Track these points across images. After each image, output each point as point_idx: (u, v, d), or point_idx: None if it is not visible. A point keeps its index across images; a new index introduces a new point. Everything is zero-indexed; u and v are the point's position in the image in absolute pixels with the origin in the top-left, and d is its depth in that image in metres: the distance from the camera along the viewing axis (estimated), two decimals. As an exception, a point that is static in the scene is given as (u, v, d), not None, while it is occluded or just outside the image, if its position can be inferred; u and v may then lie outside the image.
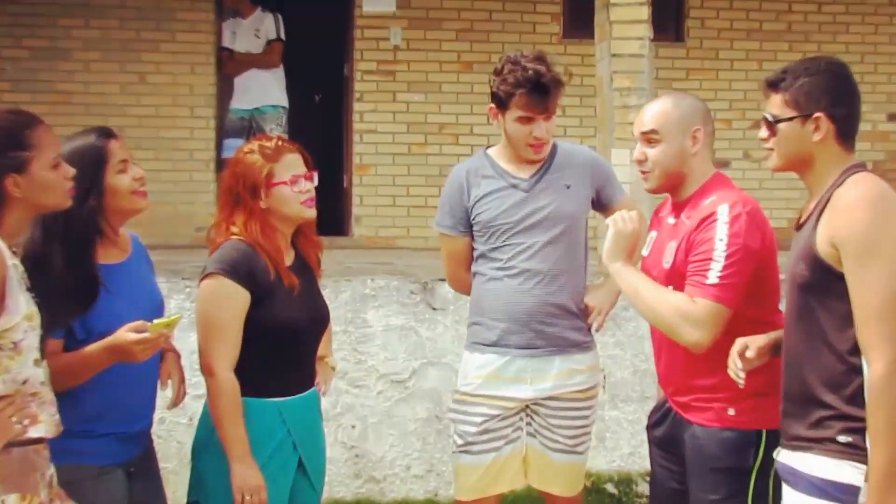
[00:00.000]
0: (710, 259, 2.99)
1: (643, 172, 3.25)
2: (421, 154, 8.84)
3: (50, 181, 2.65)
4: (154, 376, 3.15)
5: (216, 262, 3.19)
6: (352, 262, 6.87)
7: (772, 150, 2.81)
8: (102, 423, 2.97)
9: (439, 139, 8.83)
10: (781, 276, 3.01)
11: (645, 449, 3.49)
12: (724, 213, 3.03)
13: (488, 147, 3.89)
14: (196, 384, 3.40)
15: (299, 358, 3.33)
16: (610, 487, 5.89)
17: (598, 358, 3.90)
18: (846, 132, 2.75)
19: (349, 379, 5.75)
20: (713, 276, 2.97)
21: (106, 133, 3.07)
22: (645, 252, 3.29)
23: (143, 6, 8.62)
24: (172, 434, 5.48)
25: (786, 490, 2.77)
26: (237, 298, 3.15)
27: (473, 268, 3.83)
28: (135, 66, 8.61)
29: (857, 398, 2.59)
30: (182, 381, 3.23)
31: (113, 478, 2.99)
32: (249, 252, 3.21)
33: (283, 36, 8.35)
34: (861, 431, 2.58)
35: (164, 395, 3.22)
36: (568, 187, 3.74)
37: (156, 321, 2.85)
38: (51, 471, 2.62)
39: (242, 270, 3.16)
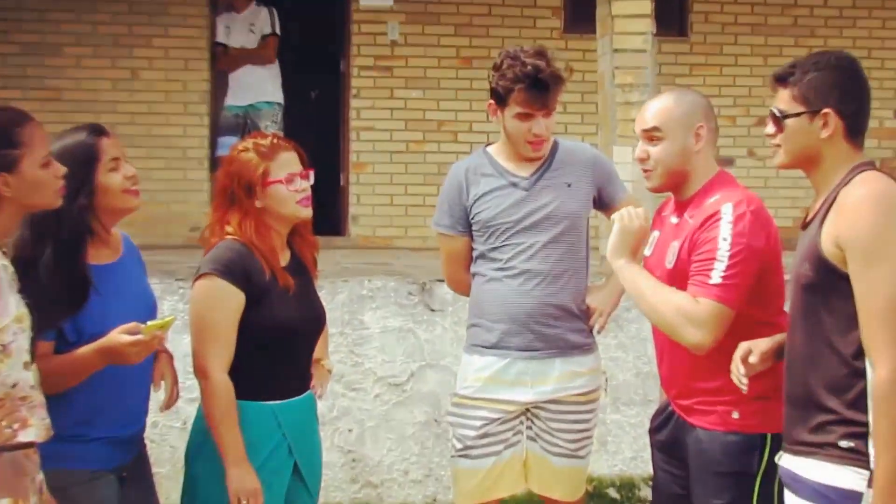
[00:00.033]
0: (714, 259, 2.99)
1: (645, 171, 3.25)
2: (419, 152, 8.84)
3: (40, 180, 2.65)
4: (147, 379, 3.15)
5: (210, 262, 3.19)
6: (348, 263, 6.87)
7: (778, 146, 2.81)
8: (94, 427, 2.97)
9: (438, 136, 8.83)
10: (786, 277, 3.01)
11: (647, 453, 3.49)
12: (728, 212, 3.03)
13: (488, 144, 3.89)
14: (190, 387, 3.40)
15: (295, 360, 3.33)
16: (612, 492, 5.90)
17: (600, 360, 3.90)
18: (855, 129, 2.75)
19: (346, 382, 5.75)
20: (716, 276, 2.97)
21: (97, 130, 3.07)
22: (647, 252, 3.29)
23: (135, 0, 8.61)
24: (165, 438, 5.48)
25: (788, 495, 2.77)
26: (232, 299, 3.15)
27: (473, 268, 3.83)
28: (127, 61, 8.61)
29: (860, 403, 2.59)
30: (175, 382, 3.23)
31: (105, 483, 2.99)
32: (244, 252, 3.21)
33: (278, 31, 8.35)
34: (863, 437, 2.58)
35: (156, 399, 3.21)
36: (569, 186, 3.74)
37: (150, 323, 2.85)
38: (41, 476, 2.61)
39: (237, 271, 3.16)
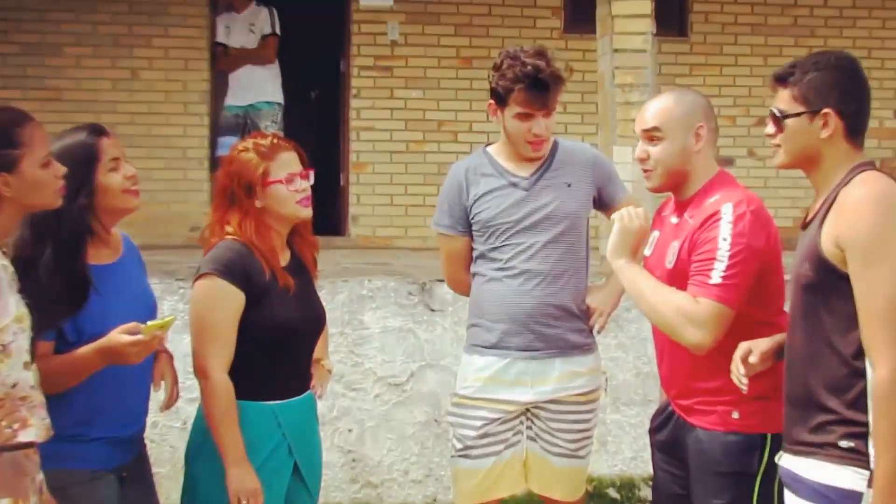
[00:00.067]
0: (714, 259, 2.99)
1: (645, 171, 3.25)
2: (419, 152, 8.84)
3: (40, 180, 2.65)
4: (147, 379, 3.15)
5: (210, 262, 3.19)
6: (348, 263, 6.87)
7: (778, 146, 2.81)
8: (94, 427, 2.97)
9: (438, 136, 8.83)
10: (786, 277, 3.01)
11: (647, 453, 3.49)
12: (728, 212, 3.03)
13: (488, 144, 3.89)
14: (189, 387, 3.40)
15: (295, 360, 3.33)
16: (612, 492, 5.90)
17: (600, 360, 3.90)
18: (855, 129, 2.75)
19: (346, 382, 5.75)
20: (716, 276, 2.97)
21: (97, 130, 3.07)
22: (647, 252, 3.29)
23: (135, 0, 8.61)
24: (165, 438, 5.48)
25: (788, 495, 2.77)
26: (232, 299, 3.15)
27: (473, 268, 3.83)
28: (127, 61, 8.61)
29: (860, 403, 2.59)
30: (175, 382, 3.23)
31: (105, 483, 2.99)
32: (244, 252, 3.21)
33: (278, 31, 8.35)
34: (863, 437, 2.58)
35: (156, 399, 3.21)
36: (569, 186, 3.74)
37: (150, 323, 2.85)
38: (41, 476, 2.61)
39: (237, 270, 3.16)
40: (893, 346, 2.50)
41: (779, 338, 2.92)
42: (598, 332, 3.84)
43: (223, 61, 8.47)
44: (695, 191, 3.20)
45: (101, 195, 3.00)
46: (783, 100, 2.78)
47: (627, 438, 5.95)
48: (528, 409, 3.74)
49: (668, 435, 3.27)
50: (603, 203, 3.84)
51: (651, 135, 3.21)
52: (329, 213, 8.73)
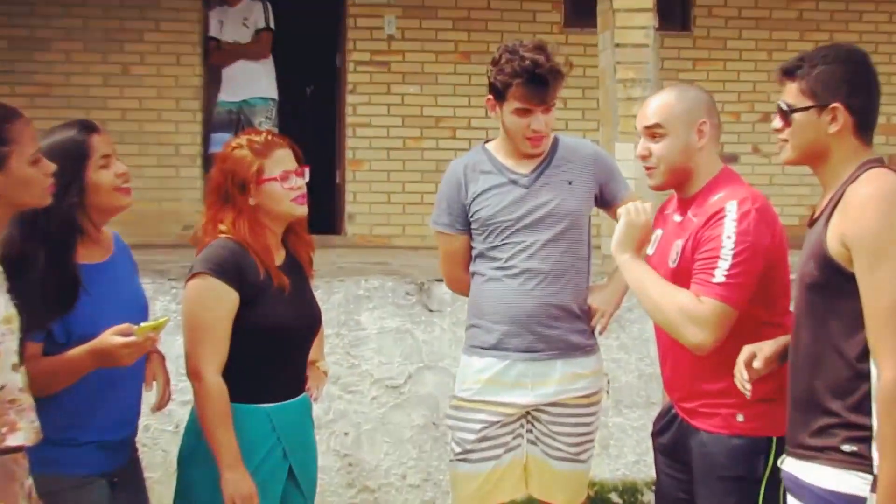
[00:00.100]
0: (717, 257, 2.98)
1: (647, 168, 3.25)
2: (417, 149, 8.84)
3: (29, 178, 2.64)
4: (139, 382, 3.15)
5: (203, 262, 3.19)
6: (345, 262, 6.87)
7: (785, 141, 2.80)
8: (84, 430, 2.97)
9: (436, 133, 8.83)
10: (792, 277, 3.01)
11: (650, 457, 3.49)
12: (732, 210, 3.02)
13: (487, 141, 3.89)
14: (182, 389, 3.40)
15: (290, 361, 3.32)
16: (614, 497, 5.90)
17: (602, 362, 3.91)
18: (864, 124, 2.74)
19: (342, 384, 5.74)
20: (719, 275, 2.97)
21: (88, 127, 3.06)
22: (650, 251, 3.29)
23: (126, -6, 8.62)
24: (158, 442, 5.47)
25: (790, 500, 2.77)
26: (225, 299, 3.15)
27: (472, 268, 3.82)
28: (118, 56, 8.60)
29: (863, 406, 2.58)
30: (167, 382, 3.23)
31: (95, 488, 2.99)
32: (238, 251, 3.21)
33: (272, 25, 8.34)
34: (866, 440, 2.57)
35: (147, 401, 3.21)
36: (570, 183, 3.74)
37: (143, 324, 2.85)
38: (30, 481, 2.61)
39: (231, 270, 3.16)
40: None
41: (783, 340, 2.91)
42: (600, 333, 3.84)
43: (216, 56, 8.46)
44: (698, 188, 3.20)
45: (92, 193, 3.00)
46: (791, 93, 2.77)
47: (630, 442, 5.94)
48: (528, 412, 3.74)
49: (671, 438, 3.27)
50: (604, 201, 3.84)
51: (653, 131, 3.21)
52: (325, 211, 8.73)
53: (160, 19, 8.67)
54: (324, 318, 3.54)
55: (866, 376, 2.58)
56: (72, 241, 2.96)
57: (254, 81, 8.29)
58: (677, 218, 3.25)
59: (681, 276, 3.08)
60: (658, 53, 6.70)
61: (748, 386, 2.87)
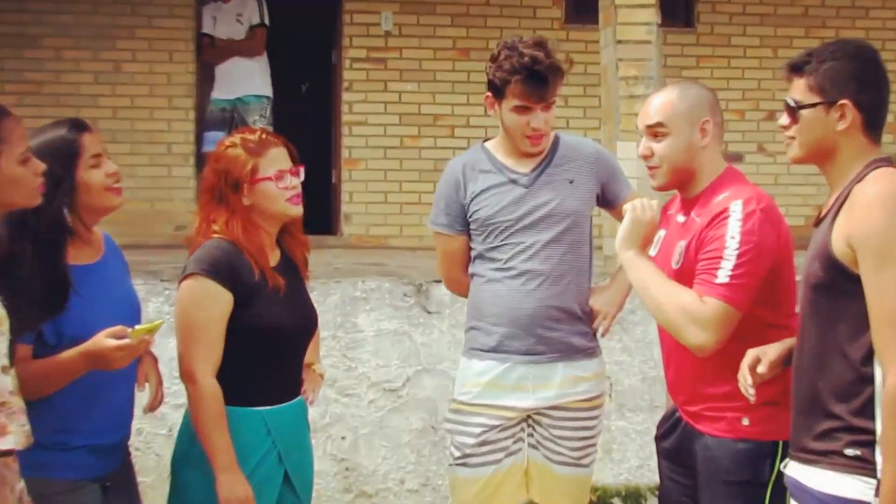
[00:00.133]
0: (721, 257, 2.98)
1: (650, 168, 3.25)
2: (414, 147, 8.84)
3: (18, 177, 2.64)
4: (131, 385, 3.15)
5: (197, 262, 3.19)
6: (341, 263, 6.87)
7: (792, 138, 2.79)
8: (76, 434, 2.96)
9: (434, 131, 8.84)
10: (798, 278, 3.01)
11: (654, 461, 3.49)
12: (737, 210, 3.03)
13: (486, 140, 3.89)
14: (175, 392, 3.40)
15: (285, 364, 3.33)
16: (617, 502, 5.90)
17: (605, 365, 3.91)
18: (873, 122, 2.73)
19: (338, 387, 5.75)
20: (723, 276, 2.97)
21: (78, 125, 3.06)
22: (653, 252, 3.29)
23: (117, -10, 8.62)
24: (150, 446, 5.48)
25: (793, 505, 2.77)
26: (219, 300, 3.15)
27: (471, 269, 3.83)
28: (109, 53, 8.61)
29: (867, 410, 2.58)
30: (160, 383, 3.23)
31: (87, 493, 2.99)
32: (232, 251, 3.21)
33: (267, 21, 8.35)
34: (870, 445, 2.56)
35: (140, 404, 3.21)
36: (571, 182, 3.74)
37: (137, 327, 2.85)
38: (21, 485, 2.60)
39: (225, 270, 3.16)
40: None
41: (789, 342, 2.91)
42: (603, 335, 3.85)
43: (209, 53, 8.47)
44: (702, 188, 3.20)
45: (82, 193, 3.00)
46: (798, 90, 2.76)
47: (633, 446, 5.95)
48: (529, 416, 3.74)
49: (675, 442, 3.27)
50: (606, 200, 3.84)
51: (655, 131, 3.21)
52: (320, 211, 8.74)
53: (152, 15, 8.67)
54: (320, 320, 3.55)
55: (870, 379, 2.58)
56: (62, 242, 2.96)
57: (248, 79, 8.30)
58: (680, 218, 3.25)
59: (684, 278, 3.08)
60: (661, 50, 6.71)
61: (751, 391, 2.87)
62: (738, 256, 2.97)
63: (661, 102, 3.23)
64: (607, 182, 3.82)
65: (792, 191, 8.60)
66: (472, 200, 3.75)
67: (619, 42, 6.42)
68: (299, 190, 3.33)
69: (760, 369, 2.87)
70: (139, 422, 3.34)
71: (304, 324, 3.39)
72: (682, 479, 3.25)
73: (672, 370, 3.27)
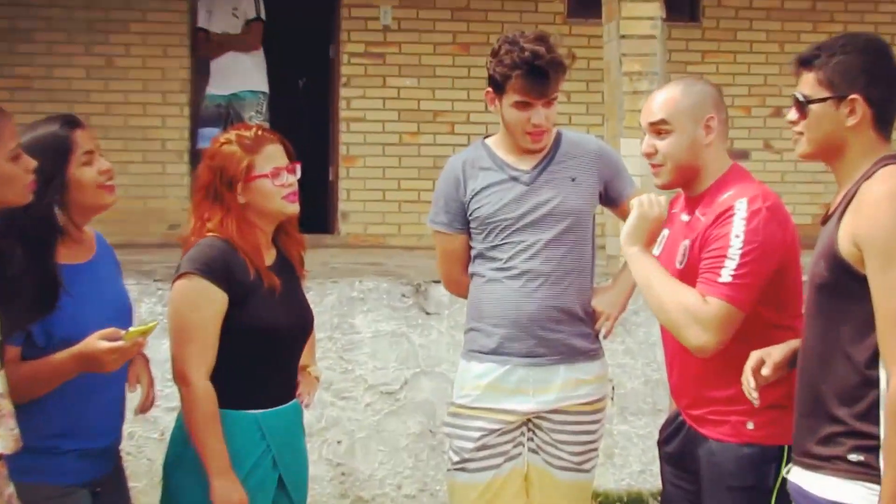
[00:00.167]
0: (724, 256, 2.98)
1: (653, 166, 3.25)
2: (413, 144, 8.85)
3: (9, 174, 2.64)
4: (122, 388, 3.15)
5: (191, 261, 3.19)
6: (338, 263, 6.87)
7: (801, 134, 2.79)
8: (66, 438, 2.96)
9: (433, 128, 8.84)
10: (804, 278, 3.00)
11: (656, 466, 3.49)
12: (742, 208, 3.02)
13: (486, 136, 3.89)
14: (168, 396, 3.40)
15: (280, 366, 3.33)
16: (619, 507, 5.91)
17: (607, 367, 3.90)
18: (883, 117, 2.72)
19: (335, 390, 5.75)
20: (726, 275, 2.97)
21: (70, 122, 3.06)
22: (656, 251, 3.29)
23: (110, -17, 8.62)
24: (142, 450, 5.48)
25: (796, 512, 2.77)
26: (214, 300, 3.15)
27: (471, 268, 3.82)
28: (102, 48, 8.61)
29: (872, 414, 2.57)
30: (151, 384, 3.23)
31: (77, 498, 2.98)
32: (227, 250, 3.21)
33: (263, 15, 8.35)
34: (874, 450, 2.55)
35: (131, 405, 3.21)
36: (573, 180, 3.74)
37: (131, 329, 2.85)
38: (10, 490, 2.61)
39: (219, 270, 3.16)
40: None
41: (794, 344, 2.90)
42: (605, 337, 3.84)
43: (205, 48, 8.47)
44: (706, 186, 3.20)
45: (74, 191, 3.00)
46: (807, 84, 2.75)
47: (635, 451, 5.95)
48: (529, 420, 3.74)
49: (678, 447, 3.27)
50: (609, 199, 3.84)
51: (658, 128, 3.21)
52: (317, 209, 8.74)
53: (146, 9, 8.68)
54: (316, 320, 3.55)
55: (875, 383, 2.57)
56: (52, 240, 2.96)
57: (244, 74, 8.30)
58: (685, 217, 3.25)
59: (688, 277, 3.08)
60: (665, 45, 6.71)
61: (755, 394, 2.86)
62: (742, 256, 2.97)
63: (664, 99, 3.23)
64: (610, 180, 3.82)
65: (799, 189, 8.60)
66: (472, 198, 3.75)
67: (623, 37, 6.43)
68: (296, 188, 3.33)
69: (764, 371, 2.86)
70: (131, 425, 3.34)
71: (300, 325, 3.39)
72: (686, 484, 3.25)
73: (675, 373, 3.27)
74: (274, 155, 3.29)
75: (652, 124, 3.22)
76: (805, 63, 2.77)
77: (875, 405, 2.56)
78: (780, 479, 3.00)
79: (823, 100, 2.72)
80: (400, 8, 8.85)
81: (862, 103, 2.69)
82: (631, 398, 5.95)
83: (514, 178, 3.72)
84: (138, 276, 5.62)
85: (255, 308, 3.20)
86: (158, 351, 3.65)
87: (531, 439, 3.76)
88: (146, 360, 3.24)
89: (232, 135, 3.33)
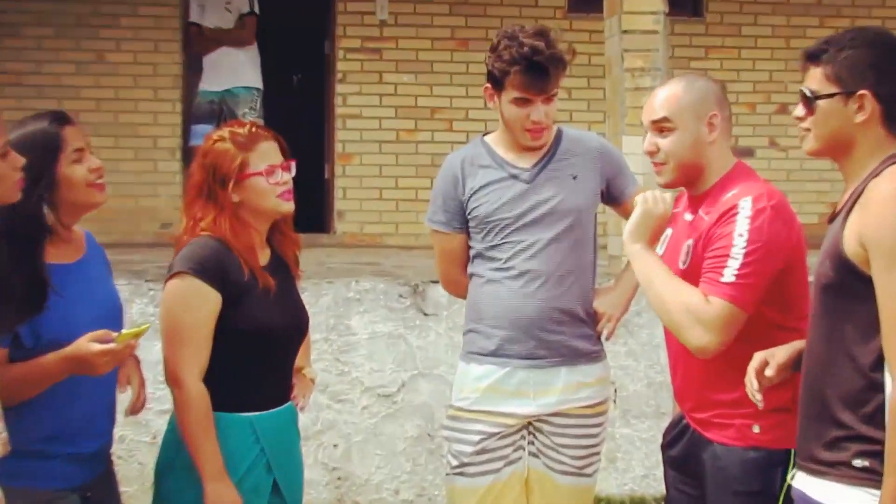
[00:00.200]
0: (728, 256, 2.98)
1: (656, 165, 3.24)
2: (411, 141, 8.85)
3: (-3, 172, 2.64)
4: (113, 391, 3.15)
5: (183, 261, 3.18)
6: (334, 262, 6.87)
7: (808, 130, 2.78)
8: (56, 442, 2.96)
9: (431, 125, 8.84)
10: (810, 278, 3.00)
11: (660, 470, 3.49)
12: (746, 207, 3.02)
13: (485, 133, 3.89)
14: (160, 398, 3.40)
15: (275, 368, 3.32)
16: (621, 513, 5.91)
17: (609, 369, 3.90)
18: (893, 114, 2.70)
19: (331, 392, 5.75)
20: (729, 275, 2.96)
21: (60, 118, 3.06)
22: (659, 251, 3.29)
23: (100, -24, 8.62)
24: (133, 454, 5.48)
25: (799, 517, 2.77)
26: (207, 300, 3.15)
27: (470, 268, 3.82)
28: (92, 43, 8.60)
29: (877, 418, 2.56)
30: (142, 385, 3.23)
31: (67, 503, 2.98)
32: (220, 249, 3.21)
33: (257, 10, 8.34)
34: (879, 455, 2.53)
35: (121, 409, 3.21)
36: (574, 178, 3.74)
37: (123, 331, 2.85)
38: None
39: (213, 269, 3.16)
40: None
41: (798, 345, 2.90)
42: (607, 339, 3.84)
43: (197, 43, 8.46)
44: (710, 185, 3.20)
45: (63, 189, 2.99)
46: (815, 79, 2.74)
47: (638, 454, 5.95)
48: (529, 423, 3.74)
49: (682, 450, 3.27)
50: (611, 197, 3.84)
51: (660, 126, 3.21)
52: (313, 208, 8.73)
53: (137, 3, 8.67)
54: (311, 321, 3.55)
55: (880, 386, 2.56)
56: (40, 239, 2.96)
57: (237, 70, 8.29)
58: (688, 216, 3.25)
59: (691, 278, 3.08)
60: (668, 40, 6.71)
61: (759, 396, 2.86)
62: (746, 255, 2.97)
63: (666, 96, 3.23)
64: (612, 178, 3.82)
65: (806, 187, 8.60)
66: (470, 197, 3.75)
67: (625, 32, 6.43)
68: (290, 186, 3.33)
69: (768, 372, 2.86)
70: (121, 429, 3.34)
71: (295, 325, 3.39)
72: (690, 489, 3.25)
73: (679, 375, 3.27)
74: (268, 152, 3.29)
75: (654, 122, 3.22)
76: (812, 58, 2.76)
77: (881, 409, 2.55)
78: (786, 484, 3.00)
79: (831, 95, 2.71)
80: (397, 2, 8.85)
81: (871, 99, 2.68)
82: (634, 401, 5.96)
83: (514, 177, 3.72)
84: (129, 276, 5.62)
85: (250, 309, 3.20)
86: (150, 352, 3.65)
87: (532, 443, 3.76)
88: (137, 361, 3.24)
89: (225, 132, 3.33)
